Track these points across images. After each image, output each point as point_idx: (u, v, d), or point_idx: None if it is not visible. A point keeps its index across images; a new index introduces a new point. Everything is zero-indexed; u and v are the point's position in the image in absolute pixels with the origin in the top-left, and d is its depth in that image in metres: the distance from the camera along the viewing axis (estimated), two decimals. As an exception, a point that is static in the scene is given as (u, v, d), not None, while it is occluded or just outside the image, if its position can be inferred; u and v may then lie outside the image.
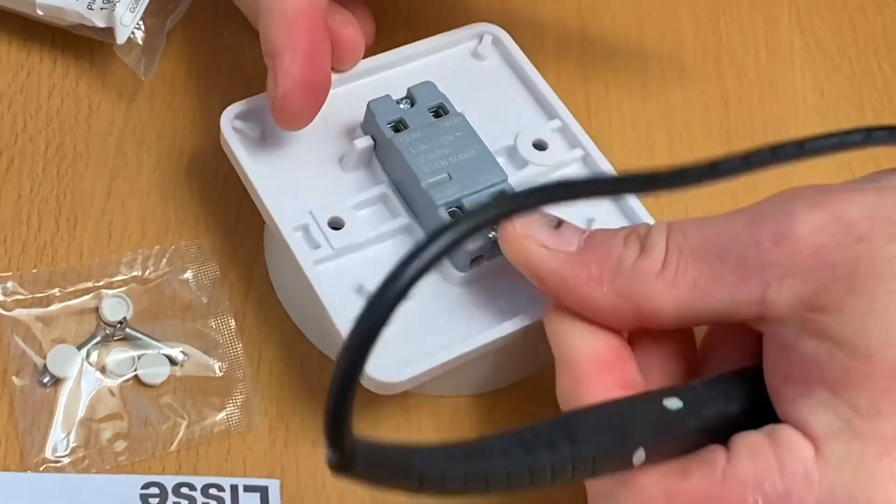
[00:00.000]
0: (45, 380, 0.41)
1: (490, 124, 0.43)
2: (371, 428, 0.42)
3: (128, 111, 0.47)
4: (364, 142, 0.42)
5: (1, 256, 0.43)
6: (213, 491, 0.39)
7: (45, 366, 0.41)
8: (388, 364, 0.38)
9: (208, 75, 0.48)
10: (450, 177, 0.41)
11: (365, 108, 0.42)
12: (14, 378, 0.41)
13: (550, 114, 0.45)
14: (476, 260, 0.41)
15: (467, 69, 0.46)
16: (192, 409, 0.41)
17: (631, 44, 0.51)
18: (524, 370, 0.43)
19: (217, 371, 0.42)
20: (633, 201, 0.42)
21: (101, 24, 0.45)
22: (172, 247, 0.44)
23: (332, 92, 0.43)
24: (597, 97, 0.50)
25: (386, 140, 0.42)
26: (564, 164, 0.44)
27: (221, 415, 0.41)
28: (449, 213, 0.41)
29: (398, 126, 0.42)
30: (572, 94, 0.49)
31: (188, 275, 0.44)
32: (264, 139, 0.43)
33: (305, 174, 0.42)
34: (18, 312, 0.42)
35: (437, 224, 0.40)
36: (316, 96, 0.41)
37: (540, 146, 0.44)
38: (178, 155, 0.46)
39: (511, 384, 0.43)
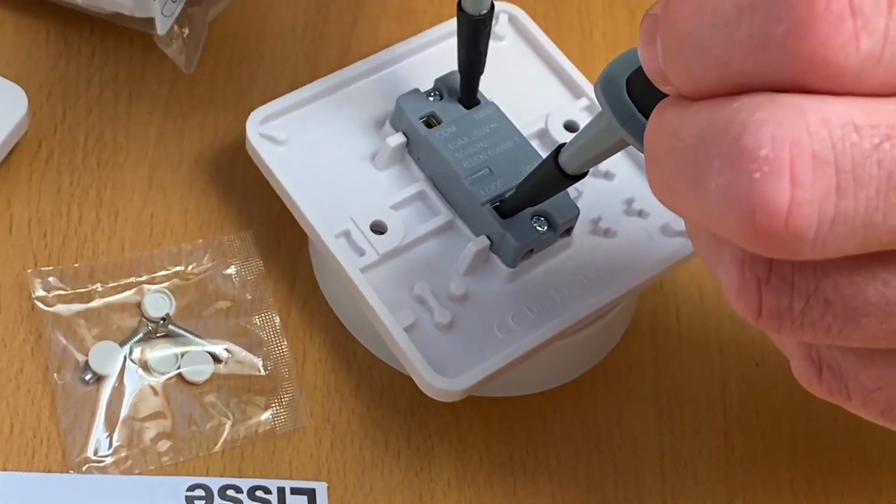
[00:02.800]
0: (87, 377, 0.40)
1: (518, 108, 0.42)
2: (422, 429, 0.41)
3: (168, 102, 0.46)
4: (396, 139, 0.41)
5: (41, 250, 0.43)
6: (259, 493, 0.38)
7: (86, 363, 0.40)
8: (449, 370, 0.38)
9: (251, 66, 0.47)
10: (491, 171, 0.40)
11: (392, 101, 0.42)
12: (55, 375, 0.40)
13: (577, 92, 0.44)
14: (526, 255, 0.40)
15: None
16: (237, 408, 0.40)
17: None
18: (577, 369, 0.42)
19: (261, 369, 0.41)
20: None
21: (141, 14, 0.45)
22: (215, 240, 0.43)
23: (353, 87, 0.43)
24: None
25: (420, 137, 0.41)
26: None
27: (266, 414, 0.40)
28: (494, 207, 0.40)
29: (430, 121, 0.41)
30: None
31: (231, 270, 0.43)
32: (291, 141, 0.42)
33: (339, 176, 0.41)
34: (60, 308, 0.41)
35: (483, 221, 0.39)
36: None
37: (571, 127, 0.43)
38: (220, 146, 0.45)
39: (560, 384, 0.42)
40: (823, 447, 0.42)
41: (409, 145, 0.41)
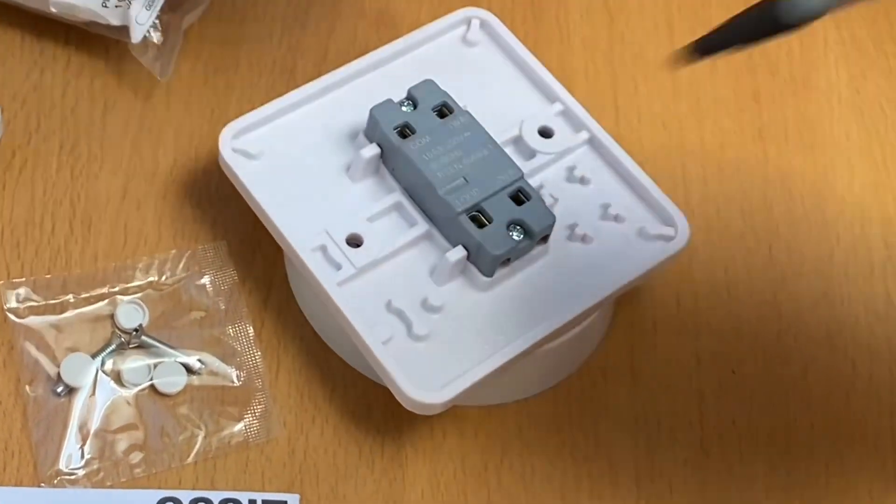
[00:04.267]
0: (59, 389, 0.40)
1: (492, 115, 0.42)
2: (396, 439, 0.40)
3: (144, 111, 0.46)
4: (371, 150, 0.41)
5: (14, 261, 0.42)
6: None
7: (58, 375, 0.40)
8: (428, 383, 0.37)
9: (227, 74, 0.47)
10: (466, 181, 0.40)
11: (365, 112, 0.41)
12: (27, 388, 0.40)
13: (550, 97, 0.44)
14: (504, 263, 0.39)
15: (459, 57, 0.44)
16: (210, 419, 0.40)
17: (660, 40, 0.50)
18: (553, 378, 0.42)
19: (235, 380, 0.41)
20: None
21: (115, 22, 0.45)
22: (189, 251, 0.43)
23: (326, 98, 0.42)
24: (626, 95, 0.48)
25: (394, 148, 0.40)
26: (571, 149, 0.43)
27: (239, 425, 0.40)
28: (470, 218, 0.39)
29: (404, 131, 0.41)
30: (601, 93, 0.48)
31: (205, 280, 0.43)
32: (265, 155, 0.41)
33: (313, 189, 0.41)
34: (31, 320, 0.41)
35: (459, 231, 0.39)
36: None
37: (546, 133, 0.43)
38: (195, 155, 0.45)
39: (536, 394, 0.42)
40: (800, 455, 0.41)
41: (384, 156, 0.41)
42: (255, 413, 0.40)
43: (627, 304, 0.43)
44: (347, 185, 0.41)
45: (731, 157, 0.47)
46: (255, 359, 0.41)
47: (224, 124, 0.43)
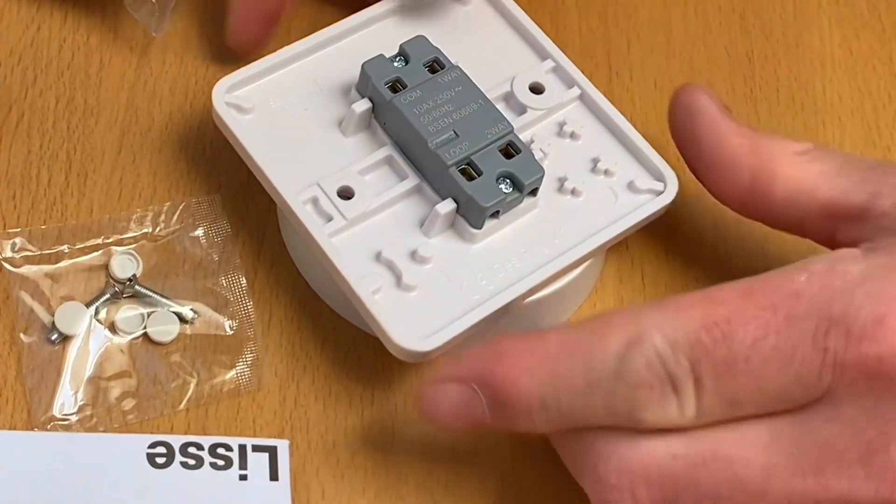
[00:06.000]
0: (54, 337, 0.40)
1: (484, 71, 0.42)
2: (386, 389, 0.41)
3: (139, 66, 0.46)
4: (362, 105, 0.41)
5: (10, 212, 0.43)
6: (220, 451, 0.38)
7: (53, 323, 0.41)
8: (416, 332, 0.38)
9: (221, 30, 0.47)
10: (456, 134, 0.40)
11: (357, 68, 0.41)
12: (22, 335, 0.40)
13: (542, 54, 0.44)
14: (493, 215, 0.40)
15: (451, 15, 0.45)
16: (202, 367, 0.41)
17: (654, 1, 0.50)
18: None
19: (227, 329, 0.41)
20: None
21: None
22: (183, 203, 0.43)
23: (319, 54, 0.43)
24: (618, 55, 0.48)
25: (386, 102, 0.41)
26: (562, 105, 0.43)
27: (231, 373, 0.41)
28: (460, 171, 0.40)
29: (395, 86, 0.41)
30: (594, 52, 0.48)
31: (199, 232, 0.43)
32: (258, 109, 0.42)
33: (306, 143, 0.41)
34: (27, 269, 0.41)
35: (449, 183, 0.39)
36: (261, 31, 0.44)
37: (536, 89, 0.43)
38: (190, 110, 0.45)
39: None
40: None
41: (375, 111, 0.41)
42: (246, 361, 0.41)
43: (615, 257, 0.44)
44: (339, 139, 0.42)
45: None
46: (248, 309, 0.42)
47: (218, 80, 0.43)
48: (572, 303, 0.43)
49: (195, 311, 0.41)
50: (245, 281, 0.42)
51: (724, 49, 0.49)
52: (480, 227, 0.40)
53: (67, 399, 0.40)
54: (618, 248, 0.43)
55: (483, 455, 0.40)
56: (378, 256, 0.39)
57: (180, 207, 0.43)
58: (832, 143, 0.47)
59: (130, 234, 0.42)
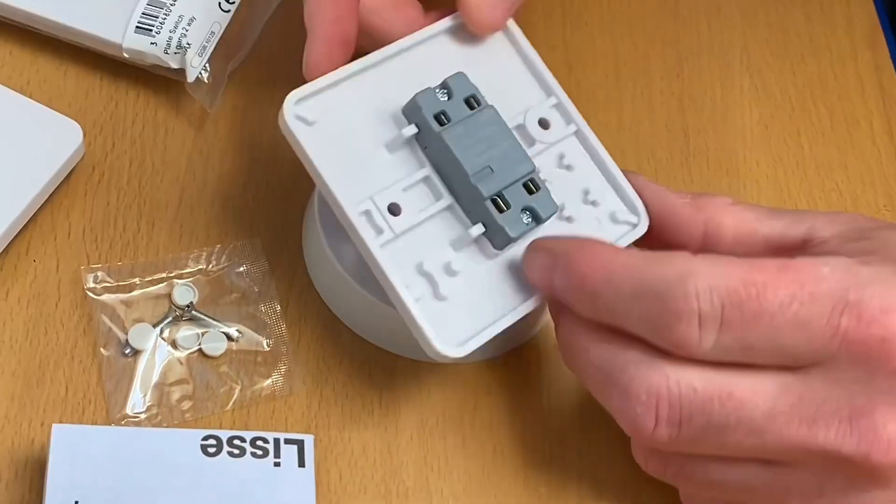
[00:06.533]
0: (127, 351, 0.42)
1: (503, 103, 0.41)
2: (391, 395, 0.43)
3: (196, 136, 0.47)
4: (411, 129, 0.40)
5: (93, 252, 0.44)
6: (259, 443, 0.39)
7: (126, 340, 0.42)
8: (451, 339, 0.38)
9: (262, 109, 0.48)
10: (491, 170, 0.39)
11: (395, 90, 0.40)
12: (102, 350, 0.42)
13: (547, 91, 0.42)
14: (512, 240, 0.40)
15: (474, 44, 0.43)
16: (245, 376, 0.42)
17: (609, 86, 0.52)
18: (521, 338, 0.44)
19: (265, 346, 0.43)
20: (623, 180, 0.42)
21: (174, 65, 0.47)
22: (231, 246, 0.45)
23: (369, 73, 0.41)
24: (580, 128, 0.50)
25: (434, 133, 0.40)
26: (561, 139, 0.42)
27: (268, 381, 0.42)
28: (492, 201, 0.39)
29: (439, 117, 0.40)
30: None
31: (243, 268, 0.45)
32: (319, 122, 0.40)
33: (356, 156, 0.40)
34: (106, 297, 0.43)
35: (483, 212, 0.39)
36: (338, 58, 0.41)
37: (544, 124, 0.42)
38: (237, 172, 0.47)
39: (506, 352, 0.44)
40: None
41: (419, 135, 0.40)
42: (280, 372, 0.43)
43: None
44: (384, 155, 0.40)
45: (662, 180, 0.48)
46: (282, 330, 0.44)
47: (259, 149, 0.45)
48: (537, 320, 0.44)
49: (240, 332, 0.43)
50: (279, 308, 0.44)
51: (664, 125, 0.51)
52: (501, 250, 0.40)
53: (138, 401, 0.41)
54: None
55: (469, 440, 0.42)
56: (419, 268, 0.39)
57: (228, 249, 0.45)
58: (753, 201, 0.49)
59: (188, 270, 0.44)
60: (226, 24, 0.48)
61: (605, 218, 0.42)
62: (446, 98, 0.40)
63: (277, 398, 0.42)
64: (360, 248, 0.39)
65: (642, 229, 0.42)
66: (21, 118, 0.45)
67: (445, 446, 0.42)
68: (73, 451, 0.38)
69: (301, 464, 0.39)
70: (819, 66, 0.54)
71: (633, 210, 0.42)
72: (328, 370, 0.43)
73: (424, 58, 0.42)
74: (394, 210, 0.39)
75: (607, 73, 0.52)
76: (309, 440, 0.39)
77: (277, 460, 0.39)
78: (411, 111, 0.40)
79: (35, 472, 0.39)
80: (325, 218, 0.43)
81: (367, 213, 0.39)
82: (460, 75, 0.41)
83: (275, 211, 0.45)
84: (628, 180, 0.42)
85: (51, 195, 0.45)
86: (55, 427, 0.38)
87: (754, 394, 0.35)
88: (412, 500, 0.41)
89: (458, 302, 0.39)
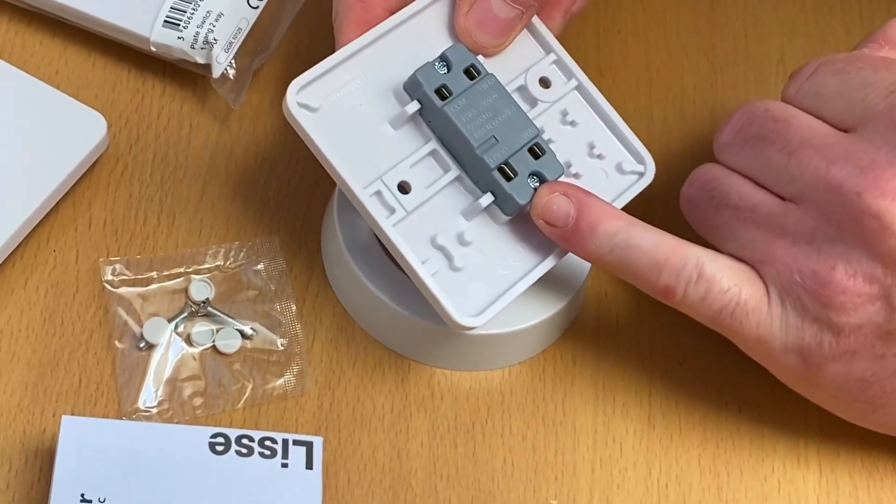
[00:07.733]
0: (141, 345, 0.43)
1: (501, 65, 0.41)
2: (402, 399, 0.43)
3: (220, 131, 0.48)
4: (414, 106, 0.40)
5: (112, 244, 0.45)
6: (267, 443, 0.39)
7: (141, 334, 0.43)
8: (468, 309, 0.38)
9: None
10: (496, 139, 0.40)
11: (395, 66, 0.40)
12: (116, 342, 0.43)
13: (546, 48, 0.42)
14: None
15: None
16: (258, 374, 0.43)
17: (640, 94, 0.51)
18: (530, 351, 0.44)
19: (279, 346, 0.43)
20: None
21: (201, 60, 0.47)
22: (249, 243, 0.45)
23: (367, 51, 0.40)
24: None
25: (436, 108, 0.40)
26: (562, 96, 0.42)
27: (280, 381, 0.43)
28: (499, 170, 0.40)
29: (441, 91, 0.40)
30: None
31: (260, 266, 0.45)
32: (323, 108, 0.40)
33: (362, 136, 0.40)
34: (123, 290, 0.44)
35: (490, 182, 0.40)
36: None
37: (545, 83, 0.42)
38: (258, 168, 0.47)
39: (517, 363, 0.44)
40: (728, 431, 0.43)
41: (422, 110, 0.40)
42: (293, 372, 0.43)
43: (595, 303, 0.45)
44: (389, 133, 0.40)
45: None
46: (296, 330, 0.44)
47: (282, 145, 0.45)
48: (557, 329, 0.44)
49: (254, 330, 0.43)
50: (295, 308, 0.44)
51: (695, 137, 0.50)
52: (510, 216, 0.40)
53: (150, 395, 0.42)
54: (598, 296, 0.45)
55: (479, 449, 0.42)
56: (433, 241, 0.39)
57: (246, 246, 0.45)
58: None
59: (206, 266, 0.45)
60: (253, 21, 0.48)
61: (612, 169, 0.42)
62: (446, 70, 0.40)
63: (289, 398, 0.43)
64: (373, 228, 0.39)
65: (649, 178, 0.42)
66: (47, 108, 0.46)
67: (456, 454, 0.42)
68: (81, 443, 0.38)
69: (309, 466, 0.39)
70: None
71: (640, 159, 0.42)
72: (341, 372, 0.43)
73: (420, 30, 0.42)
74: (404, 188, 0.39)
75: (639, 80, 0.52)
76: (318, 442, 0.39)
77: (285, 461, 0.39)
78: (412, 87, 0.40)
79: (45, 461, 0.40)
80: (343, 220, 0.43)
81: (378, 195, 0.39)
82: (458, 46, 0.41)
83: (295, 209, 0.46)
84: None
85: (73, 186, 0.45)
86: (64, 419, 0.39)
87: (804, 128, 0.39)
88: (420, 506, 0.41)
89: (473, 272, 0.39)
